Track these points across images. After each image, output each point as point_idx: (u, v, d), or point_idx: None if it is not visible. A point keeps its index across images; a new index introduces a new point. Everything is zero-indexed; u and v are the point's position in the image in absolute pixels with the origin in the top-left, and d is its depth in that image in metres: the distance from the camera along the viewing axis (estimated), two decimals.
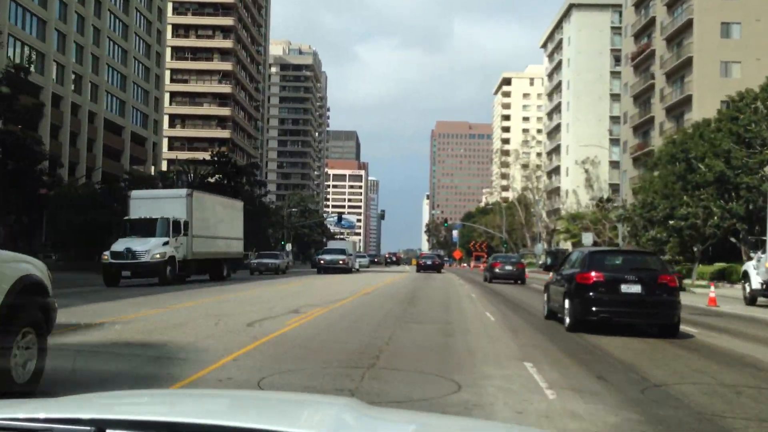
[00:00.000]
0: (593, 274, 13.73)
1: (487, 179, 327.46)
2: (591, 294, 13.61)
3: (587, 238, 62.46)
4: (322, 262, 52.74)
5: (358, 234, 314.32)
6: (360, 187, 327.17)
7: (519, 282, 40.30)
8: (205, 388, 7.24)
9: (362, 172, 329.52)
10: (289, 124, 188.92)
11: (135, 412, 2.25)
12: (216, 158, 69.70)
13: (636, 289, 13.48)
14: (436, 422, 2.62)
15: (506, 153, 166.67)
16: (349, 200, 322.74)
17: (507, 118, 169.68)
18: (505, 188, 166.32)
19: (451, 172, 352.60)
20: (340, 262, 53.41)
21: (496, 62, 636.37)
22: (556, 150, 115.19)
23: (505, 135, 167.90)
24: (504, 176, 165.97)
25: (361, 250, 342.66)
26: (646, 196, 46.91)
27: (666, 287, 13.65)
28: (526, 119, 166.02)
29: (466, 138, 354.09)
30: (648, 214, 44.49)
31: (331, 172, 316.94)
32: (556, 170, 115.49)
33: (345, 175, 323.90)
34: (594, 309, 13.58)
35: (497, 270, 41.74)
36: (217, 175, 69.33)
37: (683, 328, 14.43)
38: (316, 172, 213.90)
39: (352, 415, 2.29)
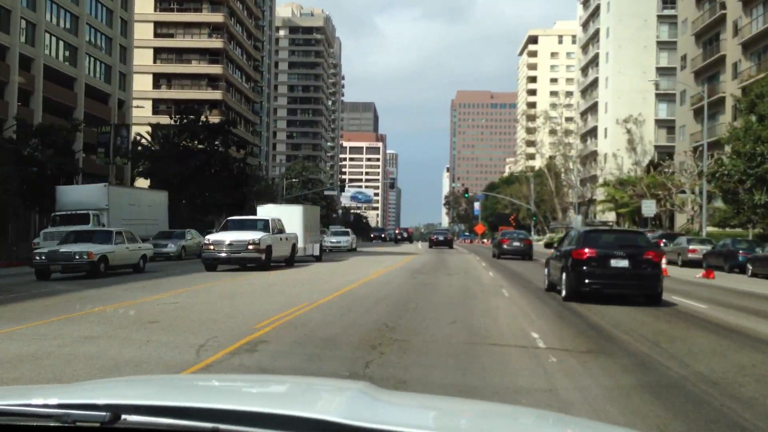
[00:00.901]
0: (587, 250, 15.43)
1: (510, 150, 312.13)
2: (584, 268, 15.35)
3: (649, 207, 48.40)
4: (211, 248, 25.75)
5: (376, 208, 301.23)
6: (377, 159, 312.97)
7: (526, 257, 40.71)
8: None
9: (380, 144, 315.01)
10: (299, 91, 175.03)
11: (150, 396, 2.20)
12: (181, 117, 56.39)
13: (624, 263, 15.26)
14: (452, 406, 2.67)
15: (532, 118, 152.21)
16: (367, 173, 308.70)
17: (533, 80, 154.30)
18: (531, 156, 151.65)
19: (472, 143, 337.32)
20: (248, 247, 25.64)
21: (520, 27, 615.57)
22: (592, 109, 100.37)
23: (531, 99, 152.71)
24: (530, 143, 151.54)
25: (380, 224, 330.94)
26: (744, 145, 32.83)
27: (650, 262, 15.44)
28: (554, 81, 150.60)
29: (488, 108, 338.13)
30: (757, 169, 30.48)
31: (347, 144, 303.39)
32: (591, 132, 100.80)
33: (362, 148, 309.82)
34: (587, 281, 15.33)
35: (505, 246, 42.37)
36: (185, 137, 56.14)
37: None
38: (329, 143, 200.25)
39: (365, 400, 2.26)
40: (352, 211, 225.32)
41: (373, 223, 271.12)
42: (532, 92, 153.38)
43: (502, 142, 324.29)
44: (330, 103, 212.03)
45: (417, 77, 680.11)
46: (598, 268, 15.24)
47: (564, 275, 15.89)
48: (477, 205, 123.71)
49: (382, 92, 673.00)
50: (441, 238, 67.29)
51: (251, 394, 2.39)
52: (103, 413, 1.83)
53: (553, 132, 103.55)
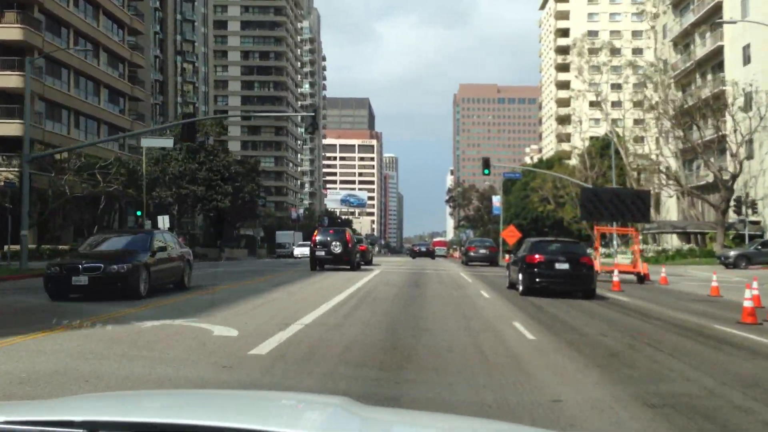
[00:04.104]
0: (537, 256, 18.67)
1: (520, 150, 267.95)
2: (535, 269, 18.52)
3: None
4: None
5: (371, 214, 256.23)
6: (372, 159, 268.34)
7: (492, 264, 41.50)
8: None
9: (374, 142, 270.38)
10: (255, 59, 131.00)
11: (127, 413, 2.15)
12: None
13: (565, 266, 18.47)
14: (432, 422, 2.60)
15: (564, 85, 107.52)
16: (360, 174, 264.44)
17: (564, 33, 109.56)
18: (565, 137, 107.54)
19: (478, 142, 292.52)
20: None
21: (521, 31, 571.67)
22: (708, 19, 55.50)
23: (563, 59, 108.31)
24: (563, 120, 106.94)
25: (377, 233, 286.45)
26: None
27: (585, 265, 18.61)
28: (593, 33, 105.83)
29: (495, 103, 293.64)
30: None
31: (336, 142, 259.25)
32: (707, 63, 56.08)
33: (354, 146, 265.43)
34: (537, 280, 18.51)
35: (472, 254, 42.66)
36: None
37: None
38: (300, 129, 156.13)
39: (344, 416, 2.24)
40: (341, 216, 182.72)
41: (367, 230, 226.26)
42: (563, 50, 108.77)
43: (512, 141, 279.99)
44: (305, 84, 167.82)
45: (417, 83, 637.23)
46: (546, 269, 18.46)
47: (520, 275, 19.09)
48: (497, 201, 79.25)
49: (383, 98, 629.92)
50: (423, 249, 68.32)
51: (231, 409, 2.25)
52: (80, 430, 1.79)
53: (632, 65, 59.19)
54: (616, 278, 21.65)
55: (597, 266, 23.67)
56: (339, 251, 26.63)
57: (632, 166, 62.43)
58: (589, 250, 27.60)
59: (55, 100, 51.67)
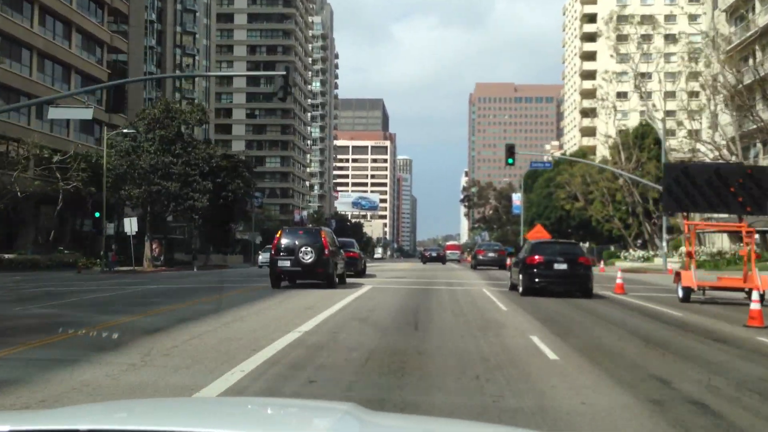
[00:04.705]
0: (536, 257, 19.08)
1: (538, 149, 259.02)
2: (535, 270, 18.94)
3: None
4: None
5: (384, 217, 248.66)
6: (385, 161, 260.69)
7: (501, 267, 40.36)
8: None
9: (387, 143, 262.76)
10: (262, 53, 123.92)
11: (133, 421, 2.13)
12: None
13: (563, 267, 18.94)
14: (439, 428, 2.60)
15: (590, 75, 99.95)
16: (373, 176, 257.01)
17: (591, 19, 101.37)
18: (589, 131, 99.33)
19: (494, 142, 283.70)
20: None
21: (539, 35, 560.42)
22: None
23: (590, 46, 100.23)
24: (586, 113, 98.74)
25: (389, 237, 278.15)
26: None
27: (583, 265, 19.18)
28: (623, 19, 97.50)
29: (512, 102, 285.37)
30: None
31: (350, 143, 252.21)
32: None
33: (367, 147, 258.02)
34: (537, 280, 18.91)
35: (481, 257, 42.96)
36: None
37: None
38: (310, 128, 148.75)
39: (352, 422, 2.21)
40: (352, 219, 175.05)
41: (378, 234, 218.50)
42: (589, 37, 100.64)
43: (529, 141, 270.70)
44: (316, 82, 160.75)
45: (434, 85, 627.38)
46: (545, 270, 18.97)
47: (520, 276, 19.49)
48: (517, 199, 71.48)
49: (398, 101, 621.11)
50: (434, 254, 64.66)
51: (238, 417, 2.22)
52: None
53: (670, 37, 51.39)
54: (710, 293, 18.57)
55: (692, 280, 17.71)
56: (310, 260, 18.70)
57: (672, 157, 54.40)
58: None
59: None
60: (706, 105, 47.30)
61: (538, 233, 43.98)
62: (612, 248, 62.73)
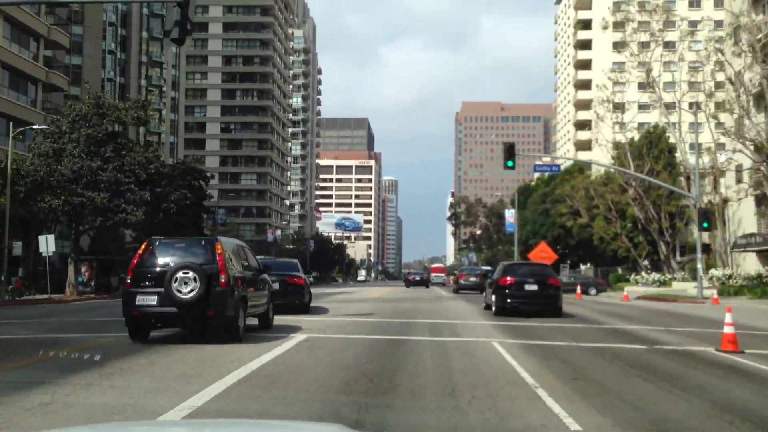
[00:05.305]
0: (508, 278, 20.01)
1: (524, 169, 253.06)
2: (507, 291, 19.79)
3: None
4: None
5: (368, 238, 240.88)
6: (369, 180, 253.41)
7: (481, 291, 37.12)
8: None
9: (372, 163, 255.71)
10: (238, 64, 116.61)
11: None
12: None
13: (534, 287, 19.77)
14: None
15: (584, 85, 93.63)
16: (357, 197, 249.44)
17: (586, 25, 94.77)
18: (584, 145, 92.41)
19: (480, 162, 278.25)
20: None
21: (525, 59, 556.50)
22: None
23: (585, 54, 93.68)
24: (581, 125, 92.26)
25: (374, 258, 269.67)
26: None
27: (553, 286, 20.07)
28: (619, 27, 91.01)
29: (498, 121, 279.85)
30: None
31: (333, 163, 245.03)
32: None
33: (351, 167, 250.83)
34: (509, 300, 19.70)
35: (462, 281, 42.89)
36: None
37: None
38: (290, 144, 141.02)
39: None
40: (335, 240, 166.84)
41: (362, 255, 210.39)
42: (583, 45, 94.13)
43: (516, 160, 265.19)
44: (297, 98, 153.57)
45: (420, 107, 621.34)
46: (516, 290, 19.72)
47: (493, 297, 20.40)
48: (510, 216, 64.06)
49: (384, 123, 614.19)
50: (418, 278, 64.47)
51: None
52: None
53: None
54: None
55: None
56: (192, 294, 10.77)
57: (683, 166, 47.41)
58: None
59: None
60: (732, 100, 40.21)
61: (542, 252, 36.49)
62: (619, 270, 55.35)
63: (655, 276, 43.80)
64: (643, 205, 46.62)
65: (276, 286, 17.04)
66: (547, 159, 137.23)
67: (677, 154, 53.05)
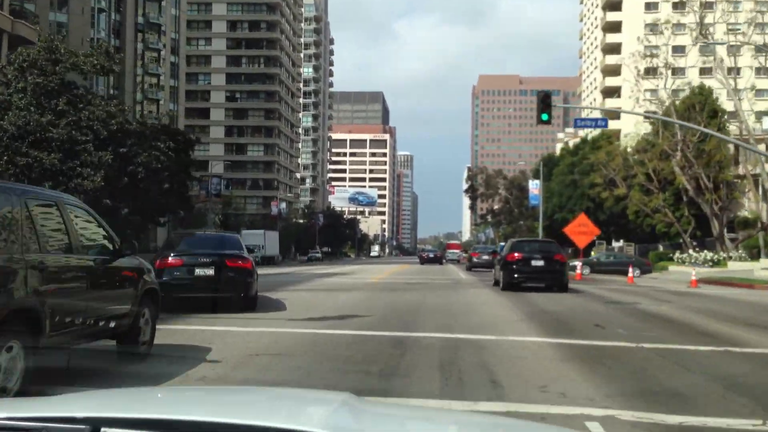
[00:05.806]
0: (515, 254, 20.60)
1: (542, 144, 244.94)
2: (514, 266, 20.33)
3: None
4: None
5: (382, 213, 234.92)
6: (384, 155, 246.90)
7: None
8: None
9: (386, 137, 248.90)
10: (243, 29, 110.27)
11: (130, 409, 2.06)
12: None
13: (540, 263, 20.26)
14: (437, 417, 2.58)
15: (614, 48, 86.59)
16: (371, 171, 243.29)
17: None
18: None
19: (498, 136, 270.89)
20: None
21: (543, 33, 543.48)
22: None
23: (614, 15, 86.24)
24: (609, 92, 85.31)
25: (388, 233, 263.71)
26: None
27: (559, 262, 20.56)
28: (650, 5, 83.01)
29: (517, 95, 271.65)
30: None
31: (347, 137, 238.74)
32: None
33: (365, 141, 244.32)
34: (515, 276, 20.25)
35: (475, 260, 44.18)
36: None
37: None
38: (300, 115, 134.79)
39: (348, 411, 2.14)
40: (348, 215, 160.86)
41: (376, 231, 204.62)
42: (615, 5, 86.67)
43: (533, 135, 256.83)
44: (308, 68, 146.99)
45: (437, 83, 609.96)
46: (523, 266, 20.28)
47: (501, 272, 20.95)
48: (534, 188, 57.75)
49: (401, 99, 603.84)
50: (431, 255, 65.67)
51: (233, 405, 2.16)
52: (82, 426, 1.72)
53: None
54: None
55: None
56: None
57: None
58: None
59: None
60: None
61: (581, 226, 30.19)
62: (660, 248, 48.99)
63: (708, 254, 37.49)
64: (694, 173, 40.17)
65: (209, 271, 11.17)
66: (570, 130, 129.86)
67: (725, 118, 46.54)
